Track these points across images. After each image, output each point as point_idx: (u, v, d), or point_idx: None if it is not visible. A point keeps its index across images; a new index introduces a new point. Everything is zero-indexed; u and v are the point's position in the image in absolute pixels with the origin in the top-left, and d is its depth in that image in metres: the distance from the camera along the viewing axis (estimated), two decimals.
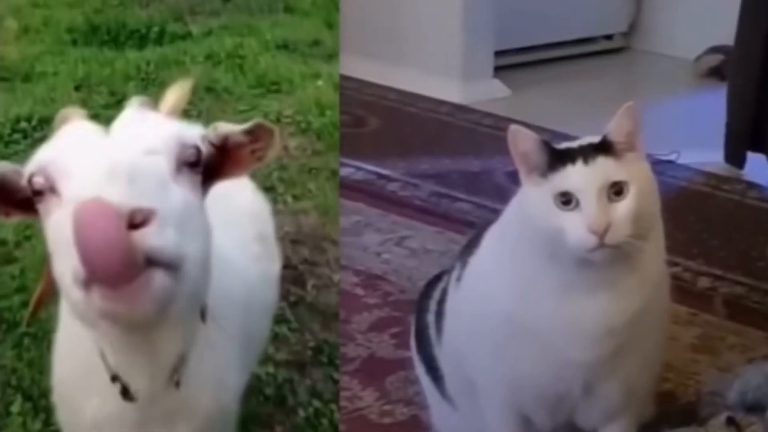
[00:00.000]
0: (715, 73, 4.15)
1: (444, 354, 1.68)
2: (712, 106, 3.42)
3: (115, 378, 1.29)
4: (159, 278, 1.09)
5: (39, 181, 1.17)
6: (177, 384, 1.31)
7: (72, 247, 1.06)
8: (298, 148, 3.01)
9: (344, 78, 3.89)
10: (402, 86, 3.93)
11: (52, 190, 1.16)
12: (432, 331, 1.71)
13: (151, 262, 1.08)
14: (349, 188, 2.99)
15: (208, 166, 1.25)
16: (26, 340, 2.13)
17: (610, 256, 1.40)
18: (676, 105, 4.02)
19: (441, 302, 1.68)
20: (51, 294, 1.45)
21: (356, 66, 3.99)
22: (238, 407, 1.52)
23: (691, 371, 2.10)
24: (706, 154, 3.28)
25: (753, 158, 3.22)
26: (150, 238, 1.08)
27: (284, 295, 2.31)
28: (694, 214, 2.92)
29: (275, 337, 2.17)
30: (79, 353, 1.35)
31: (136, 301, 1.08)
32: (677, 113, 3.89)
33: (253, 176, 2.69)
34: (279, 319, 2.23)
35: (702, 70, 4.26)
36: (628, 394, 1.54)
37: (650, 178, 1.46)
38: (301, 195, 2.78)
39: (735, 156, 3.23)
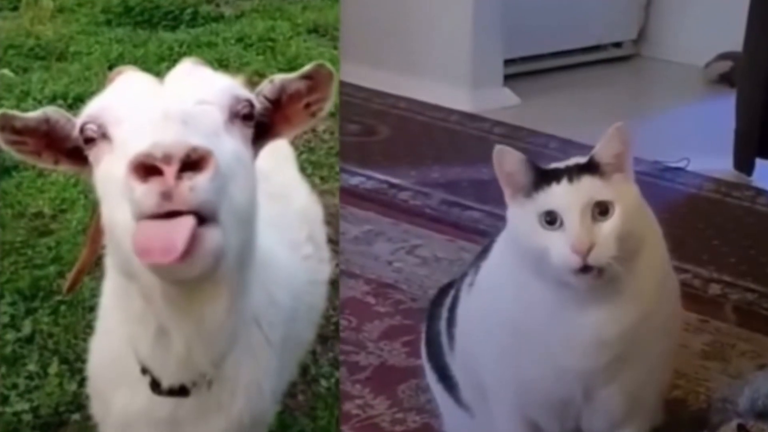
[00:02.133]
0: (725, 79, 4.16)
1: (456, 360, 1.69)
2: (722, 112, 3.43)
3: (145, 371, 1.28)
4: (212, 234, 1.08)
5: (91, 128, 1.18)
6: (209, 384, 1.30)
7: (126, 182, 1.06)
8: (326, 132, 3.04)
9: (354, 87, 3.91)
10: (412, 95, 3.94)
11: (104, 136, 1.17)
12: (444, 338, 1.72)
13: (203, 217, 1.07)
14: (360, 197, 3.01)
15: (260, 124, 1.24)
16: (62, 308, 2.23)
17: (593, 283, 1.40)
18: (685, 112, 4.03)
19: (452, 309, 1.69)
20: (91, 264, 1.47)
21: (366, 75, 4.00)
22: (277, 410, 1.51)
23: (701, 378, 2.11)
24: (716, 161, 3.28)
25: (762, 165, 3.22)
26: (203, 186, 1.06)
27: None
28: (704, 221, 2.92)
29: None
30: (112, 346, 1.34)
31: (189, 258, 1.07)
32: (686, 120, 3.89)
33: None
34: None
35: (711, 77, 4.27)
36: (632, 402, 1.54)
37: (638, 199, 1.45)
38: (328, 177, 2.82)
39: (744, 163, 3.23)
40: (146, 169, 1.05)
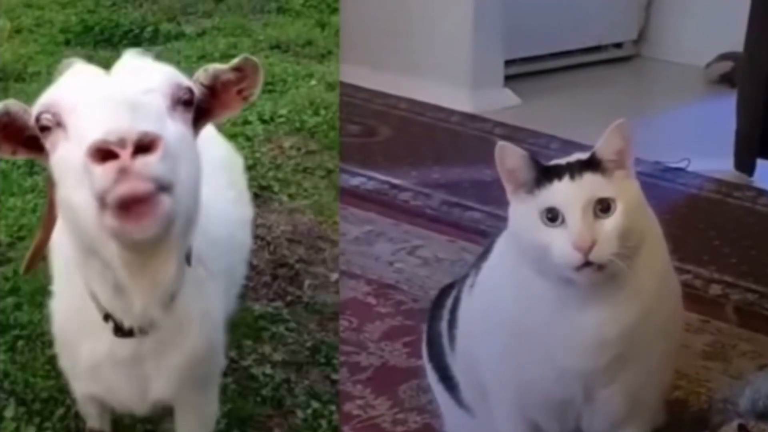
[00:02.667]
0: (725, 80, 4.16)
1: (458, 361, 1.69)
2: (722, 113, 3.43)
3: (107, 317, 1.41)
4: (164, 202, 1.20)
5: (47, 117, 1.28)
6: (166, 319, 1.41)
7: (85, 167, 1.17)
8: (292, 148, 3.02)
9: (355, 88, 3.91)
10: (413, 96, 3.94)
11: (59, 124, 1.27)
12: (445, 339, 1.72)
13: (156, 187, 1.19)
14: (361, 198, 3.01)
15: (198, 108, 1.37)
16: (20, 343, 2.12)
17: (595, 278, 1.40)
18: (685, 112, 4.03)
19: (453, 310, 1.69)
20: (46, 244, 1.55)
21: (367, 76, 4.01)
22: (224, 339, 1.63)
23: (702, 378, 2.11)
24: (716, 162, 3.28)
25: (763, 165, 3.22)
26: (156, 164, 1.18)
27: (281, 295, 2.33)
28: (705, 222, 2.92)
29: (272, 337, 2.19)
30: (72, 302, 1.47)
31: (145, 222, 1.19)
32: (687, 121, 3.89)
33: (250, 177, 2.74)
34: (276, 319, 2.25)
35: (712, 77, 4.27)
36: (632, 403, 1.54)
37: (639, 196, 1.46)
38: (296, 194, 2.79)
39: (745, 163, 3.23)
40: (103, 153, 1.16)
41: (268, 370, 2.12)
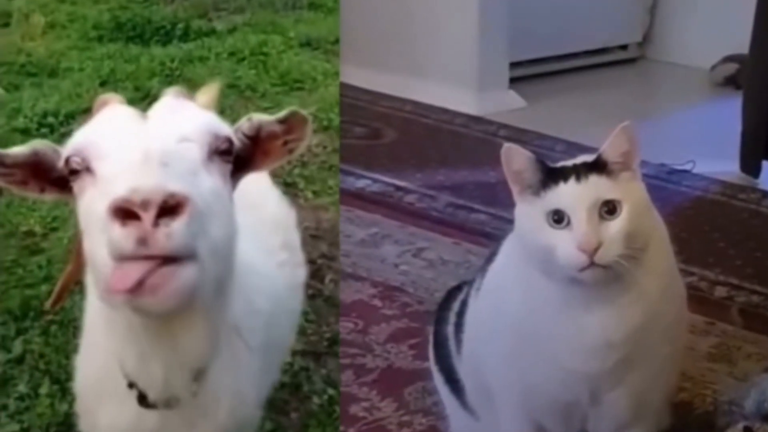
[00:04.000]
0: (731, 82, 4.16)
1: (464, 364, 1.70)
2: (728, 115, 3.43)
3: (132, 385, 1.31)
4: (185, 271, 1.12)
5: (76, 161, 1.21)
6: (194, 394, 1.32)
7: (105, 222, 1.10)
8: (319, 146, 3.05)
9: (360, 90, 3.92)
10: (418, 98, 3.95)
11: (88, 169, 1.20)
12: (451, 342, 1.72)
13: (177, 257, 1.11)
14: (366, 200, 3.01)
15: (239, 158, 1.28)
16: (53, 327, 2.20)
17: (600, 276, 1.41)
18: (691, 114, 4.03)
19: (460, 314, 1.69)
20: (76, 280, 1.49)
21: (372, 78, 4.01)
22: (261, 415, 1.53)
23: (707, 381, 2.11)
24: (722, 164, 3.28)
25: None
26: (179, 233, 1.10)
27: None
28: (710, 224, 2.92)
29: None
30: (98, 361, 1.37)
31: (162, 293, 1.11)
32: (692, 123, 3.89)
33: (275, 172, 2.76)
34: None
35: (717, 79, 4.27)
36: (638, 406, 1.54)
37: (645, 198, 1.46)
38: (321, 191, 2.83)
39: (750, 165, 3.23)
40: (125, 213, 1.09)
41: (288, 358, 2.14)
